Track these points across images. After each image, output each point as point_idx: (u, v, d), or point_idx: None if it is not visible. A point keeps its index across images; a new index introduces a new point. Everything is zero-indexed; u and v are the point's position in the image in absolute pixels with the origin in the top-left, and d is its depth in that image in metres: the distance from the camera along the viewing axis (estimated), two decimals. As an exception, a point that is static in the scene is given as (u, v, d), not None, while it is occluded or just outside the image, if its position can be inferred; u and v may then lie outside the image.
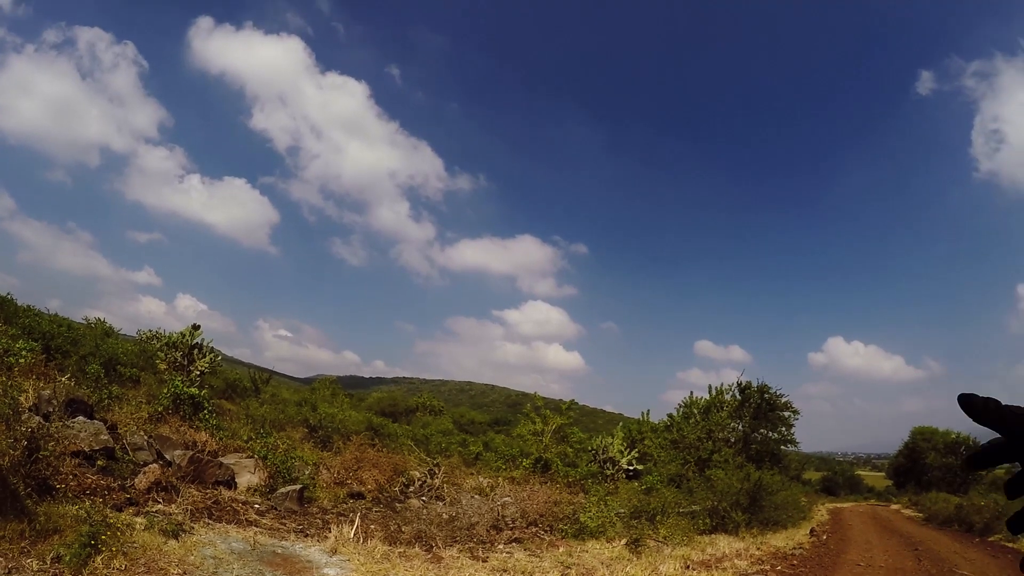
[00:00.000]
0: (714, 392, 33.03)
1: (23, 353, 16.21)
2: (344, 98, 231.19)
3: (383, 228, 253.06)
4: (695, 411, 32.56)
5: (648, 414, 36.37)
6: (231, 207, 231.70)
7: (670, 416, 33.92)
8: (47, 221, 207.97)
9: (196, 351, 27.61)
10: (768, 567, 13.71)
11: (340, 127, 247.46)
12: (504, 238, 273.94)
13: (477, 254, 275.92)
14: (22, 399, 12.49)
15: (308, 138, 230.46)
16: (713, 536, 17.53)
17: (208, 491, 12.58)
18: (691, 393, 33.83)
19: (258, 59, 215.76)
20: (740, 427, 32.55)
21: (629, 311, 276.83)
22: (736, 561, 13.80)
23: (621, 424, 33.54)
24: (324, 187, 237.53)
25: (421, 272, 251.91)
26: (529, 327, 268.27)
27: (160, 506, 10.59)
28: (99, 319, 32.49)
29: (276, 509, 13.05)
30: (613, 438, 29.94)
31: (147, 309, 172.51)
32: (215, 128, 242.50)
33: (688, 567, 12.47)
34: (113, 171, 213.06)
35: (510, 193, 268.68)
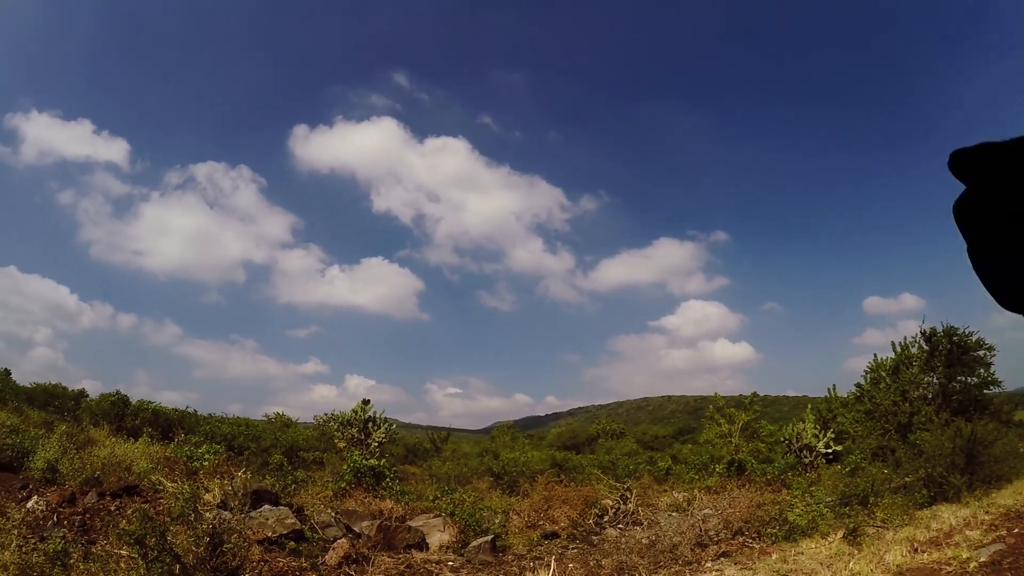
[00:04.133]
0: (899, 348, 30.54)
1: (206, 456, 16.92)
2: (449, 158, 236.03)
3: (523, 269, 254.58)
4: (883, 374, 30.06)
5: (835, 389, 34.23)
6: (375, 286, 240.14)
7: (858, 386, 31.44)
8: (212, 338, 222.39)
9: (371, 424, 28.17)
10: (1004, 532, 12.23)
11: (454, 186, 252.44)
12: (641, 247, 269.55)
13: (619, 270, 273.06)
14: (208, 497, 12.92)
15: (428, 205, 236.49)
16: (934, 508, 15.91)
17: (400, 556, 12.48)
18: (875, 356, 31.25)
19: (359, 147, 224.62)
20: (934, 380, 29.76)
21: (787, 286, 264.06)
22: (967, 532, 12.39)
23: (809, 407, 31.70)
24: (457, 246, 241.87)
25: (571, 302, 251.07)
26: (689, 329, 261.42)
27: (351, 579, 10.52)
28: (278, 413, 34.05)
29: (470, 563, 12.78)
30: (804, 423, 28.29)
31: (320, 395, 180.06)
32: (341, 219, 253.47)
33: (916, 550, 11.28)
34: (260, 281, 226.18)
35: (634, 201, 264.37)
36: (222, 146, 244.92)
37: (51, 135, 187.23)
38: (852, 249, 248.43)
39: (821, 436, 27.44)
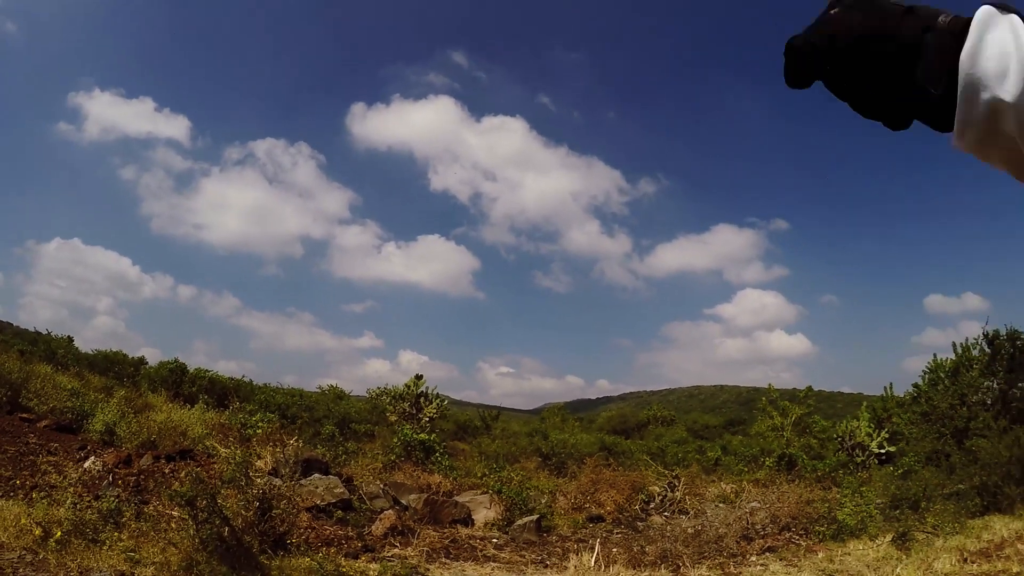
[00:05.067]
0: (959, 349, 29.48)
1: (260, 424, 17.24)
2: (506, 137, 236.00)
3: (579, 251, 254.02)
4: (942, 375, 29.06)
5: (891, 388, 33.37)
6: (432, 263, 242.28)
7: (915, 386, 30.39)
8: (269, 311, 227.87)
9: (423, 399, 28.39)
10: (1057, 548, 11.81)
11: (511, 165, 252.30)
12: (699, 232, 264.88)
13: (676, 256, 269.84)
14: (260, 464, 13.14)
15: (485, 184, 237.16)
16: (986, 518, 15.30)
17: (445, 531, 12.53)
18: (934, 356, 30.20)
19: (416, 126, 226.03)
20: (995, 385, 28.56)
21: (847, 279, 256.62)
22: (1019, 546, 11.80)
23: (864, 404, 31.00)
24: (513, 225, 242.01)
25: (627, 286, 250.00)
26: (746, 318, 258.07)
27: (396, 550, 10.58)
28: (332, 385, 34.61)
29: (514, 541, 12.77)
30: (858, 421, 27.71)
31: (373, 370, 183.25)
32: (398, 196, 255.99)
33: (965, 560, 10.92)
34: (317, 255, 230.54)
35: (693, 185, 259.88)
36: (281, 123, 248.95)
37: (113, 113, 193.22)
38: (916, 243, 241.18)
39: (875, 435, 26.81)
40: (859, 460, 25.62)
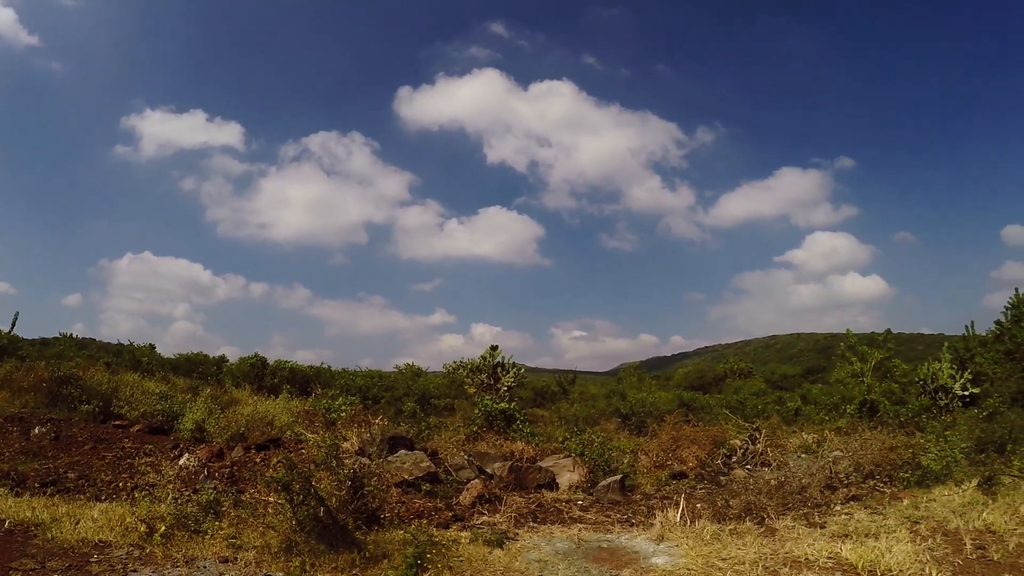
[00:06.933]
0: None
1: (343, 408, 17.66)
2: (555, 102, 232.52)
3: (642, 208, 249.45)
4: None
5: (973, 326, 32.16)
6: (496, 235, 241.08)
7: (997, 323, 29.17)
8: (340, 298, 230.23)
9: (499, 369, 28.59)
10: None
11: (564, 129, 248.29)
12: (762, 178, 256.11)
13: (741, 204, 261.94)
14: (347, 445, 13.55)
15: (540, 150, 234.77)
16: None
17: (530, 496, 12.73)
18: (1016, 290, 28.76)
19: (464, 101, 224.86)
20: None
21: (920, 214, 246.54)
22: (1109, 488, 11.68)
23: (946, 345, 30.06)
24: (573, 189, 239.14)
25: (694, 239, 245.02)
26: (817, 262, 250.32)
27: (485, 518, 10.80)
28: (409, 364, 35.17)
29: (599, 502, 12.90)
30: (940, 363, 26.85)
31: (448, 345, 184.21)
32: (456, 173, 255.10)
33: (1054, 504, 10.66)
34: (382, 240, 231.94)
35: (751, 131, 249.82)
36: (331, 116, 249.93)
37: (167, 129, 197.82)
38: (989, 171, 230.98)
39: (958, 377, 26.00)
40: (942, 404, 24.83)
